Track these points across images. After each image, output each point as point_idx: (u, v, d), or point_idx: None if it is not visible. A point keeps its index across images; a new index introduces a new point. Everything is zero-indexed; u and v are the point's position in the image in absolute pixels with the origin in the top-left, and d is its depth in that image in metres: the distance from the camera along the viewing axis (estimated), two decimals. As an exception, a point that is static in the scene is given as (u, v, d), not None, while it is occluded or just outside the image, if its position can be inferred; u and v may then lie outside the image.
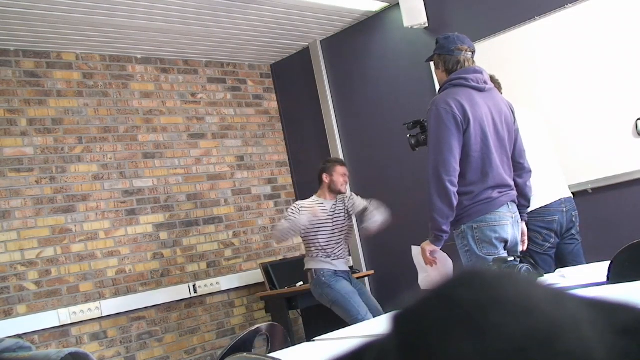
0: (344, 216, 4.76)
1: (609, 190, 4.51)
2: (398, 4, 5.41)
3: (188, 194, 5.68)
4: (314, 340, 2.49)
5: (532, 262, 2.76)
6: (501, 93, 3.79)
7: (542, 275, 2.64)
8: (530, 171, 3.23)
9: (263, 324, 2.70)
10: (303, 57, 6.31)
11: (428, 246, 3.06)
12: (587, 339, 0.38)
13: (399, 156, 5.50)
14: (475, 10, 5.10)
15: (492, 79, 3.79)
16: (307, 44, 6.21)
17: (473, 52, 3.09)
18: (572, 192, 3.80)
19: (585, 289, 2.10)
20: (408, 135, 4.29)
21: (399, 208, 5.69)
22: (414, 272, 4.48)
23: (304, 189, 6.46)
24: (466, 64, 3.05)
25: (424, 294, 0.41)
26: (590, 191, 4.54)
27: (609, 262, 2.15)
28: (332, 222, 4.69)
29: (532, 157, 3.62)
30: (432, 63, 3.27)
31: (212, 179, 5.93)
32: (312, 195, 4.83)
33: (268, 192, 6.31)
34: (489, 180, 2.97)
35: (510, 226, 3.02)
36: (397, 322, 0.41)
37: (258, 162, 6.29)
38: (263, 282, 5.75)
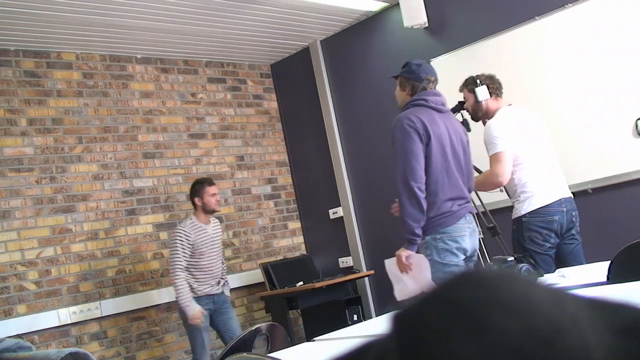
0: (220, 240, 4.93)
1: (609, 190, 4.51)
2: (398, 4, 5.41)
3: (188, 194, 5.67)
4: (314, 340, 2.49)
5: (532, 262, 2.77)
6: (501, 94, 3.81)
7: (542, 275, 2.64)
8: (472, 190, 3.47)
9: (263, 324, 2.70)
10: (303, 57, 6.31)
11: (403, 252, 3.25)
12: (587, 339, 0.38)
13: (399, 156, 5.49)
14: (475, 10, 5.10)
15: (493, 79, 3.79)
16: (307, 44, 6.21)
17: (436, 83, 3.41)
18: (572, 192, 3.80)
19: (585, 289, 2.10)
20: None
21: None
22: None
23: (304, 188, 6.46)
24: (428, 90, 3.37)
25: (424, 294, 0.41)
26: (590, 191, 4.54)
27: (609, 262, 2.15)
28: (213, 245, 4.82)
29: (532, 157, 3.63)
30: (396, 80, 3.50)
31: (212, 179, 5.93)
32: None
33: (268, 192, 6.31)
34: (448, 191, 3.23)
35: (468, 236, 3.26)
36: (397, 322, 0.41)
37: (258, 162, 6.29)
38: (263, 282, 5.75)
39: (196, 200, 4.78)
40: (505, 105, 3.75)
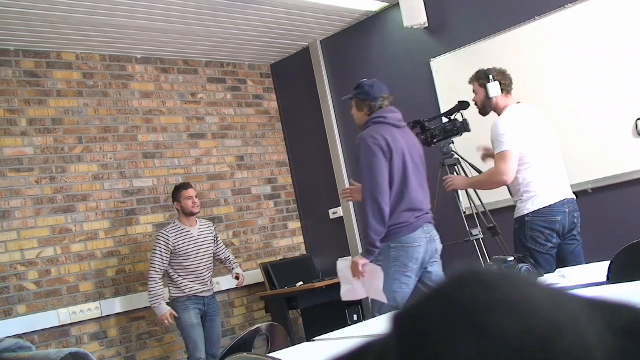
0: (212, 242, 5.01)
1: (609, 190, 4.51)
2: (398, 4, 5.41)
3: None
4: (314, 340, 2.50)
5: (532, 262, 2.77)
6: (510, 91, 3.77)
7: (542, 275, 2.65)
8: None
9: (263, 324, 2.70)
10: (303, 57, 6.31)
11: (361, 260, 3.47)
12: (587, 339, 0.38)
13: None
14: (475, 10, 5.10)
15: (505, 74, 3.76)
16: (307, 44, 6.21)
17: (390, 101, 3.63)
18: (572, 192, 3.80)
19: (585, 289, 2.10)
20: (408, 135, 4.30)
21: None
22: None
23: (304, 189, 6.46)
24: (384, 107, 3.59)
25: (424, 294, 0.41)
26: (591, 191, 4.54)
27: (609, 262, 2.15)
28: (198, 248, 4.89)
29: (538, 157, 3.61)
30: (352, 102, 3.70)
31: (212, 179, 5.93)
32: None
33: (268, 192, 6.31)
34: (406, 203, 3.44)
35: (424, 246, 3.49)
36: (397, 322, 0.41)
37: (258, 162, 6.29)
38: (263, 282, 5.75)
39: (175, 204, 4.98)
40: (514, 102, 3.73)
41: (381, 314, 3.34)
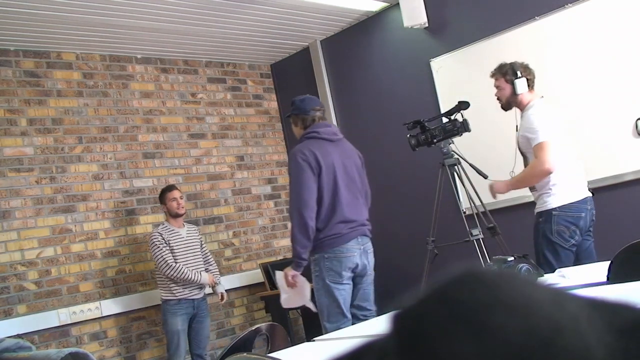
0: (199, 245, 5.05)
1: (609, 190, 4.51)
2: (398, 4, 5.41)
3: (188, 194, 5.68)
4: (314, 340, 2.50)
5: (532, 262, 2.77)
6: (533, 86, 3.71)
7: (542, 275, 2.65)
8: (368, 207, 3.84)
9: (263, 324, 2.70)
10: (303, 57, 6.31)
11: (290, 271, 3.64)
12: (587, 338, 0.38)
13: (398, 156, 5.50)
14: (475, 10, 5.10)
15: (529, 70, 3.71)
16: (307, 44, 6.21)
17: (323, 111, 3.78)
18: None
19: (585, 289, 2.10)
20: (408, 135, 4.30)
21: (398, 208, 5.70)
22: (414, 272, 4.50)
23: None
24: (318, 120, 3.71)
25: (424, 294, 0.41)
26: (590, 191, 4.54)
27: (609, 262, 2.15)
28: (187, 248, 4.92)
29: (563, 153, 3.57)
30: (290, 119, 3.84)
31: (212, 179, 5.93)
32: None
33: (268, 192, 6.31)
34: (339, 215, 3.57)
35: (358, 256, 3.62)
36: (397, 322, 0.41)
37: (258, 162, 6.29)
38: (263, 282, 5.76)
39: (162, 206, 5.03)
40: (537, 97, 3.69)
41: (329, 323, 3.58)
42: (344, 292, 3.60)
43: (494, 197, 3.91)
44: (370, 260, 3.72)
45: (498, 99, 3.77)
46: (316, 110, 3.71)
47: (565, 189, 3.55)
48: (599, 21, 4.48)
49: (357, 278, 3.68)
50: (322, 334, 2.48)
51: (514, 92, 3.66)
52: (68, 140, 5.12)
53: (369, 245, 3.73)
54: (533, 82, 3.70)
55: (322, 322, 3.65)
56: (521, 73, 3.65)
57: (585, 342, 0.38)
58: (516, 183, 3.73)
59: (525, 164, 3.73)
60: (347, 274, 3.59)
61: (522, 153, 3.75)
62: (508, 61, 3.78)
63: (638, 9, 4.34)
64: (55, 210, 4.94)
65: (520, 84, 3.64)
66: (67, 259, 4.92)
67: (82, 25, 4.82)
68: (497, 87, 3.75)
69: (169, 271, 4.74)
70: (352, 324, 3.55)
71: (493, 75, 3.77)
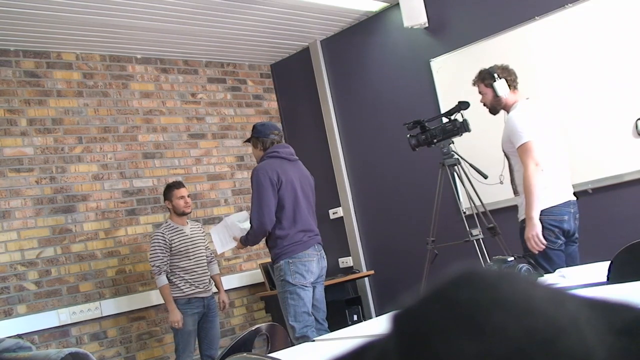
0: (204, 242, 4.97)
1: (609, 190, 4.51)
2: (398, 4, 5.41)
3: (188, 194, 5.67)
4: (314, 341, 2.50)
5: (532, 262, 2.77)
6: (516, 86, 3.72)
7: (542, 275, 2.65)
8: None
9: (263, 324, 2.70)
10: (303, 57, 6.31)
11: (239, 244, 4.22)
12: (587, 339, 0.38)
13: (398, 156, 5.50)
14: (475, 10, 5.10)
15: (508, 70, 3.72)
16: (307, 44, 6.21)
17: (281, 135, 4.23)
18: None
19: (585, 289, 2.10)
20: (408, 135, 4.30)
21: (398, 208, 5.70)
22: (414, 272, 4.50)
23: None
24: (276, 143, 4.14)
25: (424, 294, 0.41)
26: (590, 191, 4.54)
27: (609, 262, 2.15)
28: (192, 246, 4.85)
29: (547, 156, 3.56)
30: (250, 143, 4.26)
31: (212, 179, 5.93)
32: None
33: (268, 192, 6.30)
34: (300, 225, 4.02)
35: (316, 262, 4.07)
36: (397, 322, 0.41)
37: (258, 162, 6.28)
38: (263, 282, 5.76)
39: (167, 203, 4.93)
40: (522, 98, 3.69)
41: (297, 322, 3.92)
42: (309, 293, 4.01)
43: (537, 246, 3.53)
44: (324, 266, 4.15)
45: (484, 104, 3.78)
46: (275, 134, 4.14)
47: (548, 192, 3.54)
48: (599, 21, 4.48)
49: (314, 283, 4.09)
50: (322, 334, 2.48)
51: (495, 95, 3.66)
52: (68, 140, 5.12)
53: (323, 253, 4.17)
54: (515, 82, 3.70)
55: (287, 323, 3.95)
56: (499, 75, 3.65)
57: (585, 342, 0.38)
58: (532, 204, 3.50)
59: (509, 165, 3.72)
60: (310, 278, 4.01)
61: (505, 155, 3.74)
62: (507, 62, 3.79)
63: (638, 9, 4.34)
64: (55, 210, 4.94)
65: (500, 86, 3.64)
66: (67, 259, 4.92)
67: (82, 25, 4.82)
68: (480, 93, 3.77)
69: (154, 274, 4.74)
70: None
71: (474, 83, 3.80)
